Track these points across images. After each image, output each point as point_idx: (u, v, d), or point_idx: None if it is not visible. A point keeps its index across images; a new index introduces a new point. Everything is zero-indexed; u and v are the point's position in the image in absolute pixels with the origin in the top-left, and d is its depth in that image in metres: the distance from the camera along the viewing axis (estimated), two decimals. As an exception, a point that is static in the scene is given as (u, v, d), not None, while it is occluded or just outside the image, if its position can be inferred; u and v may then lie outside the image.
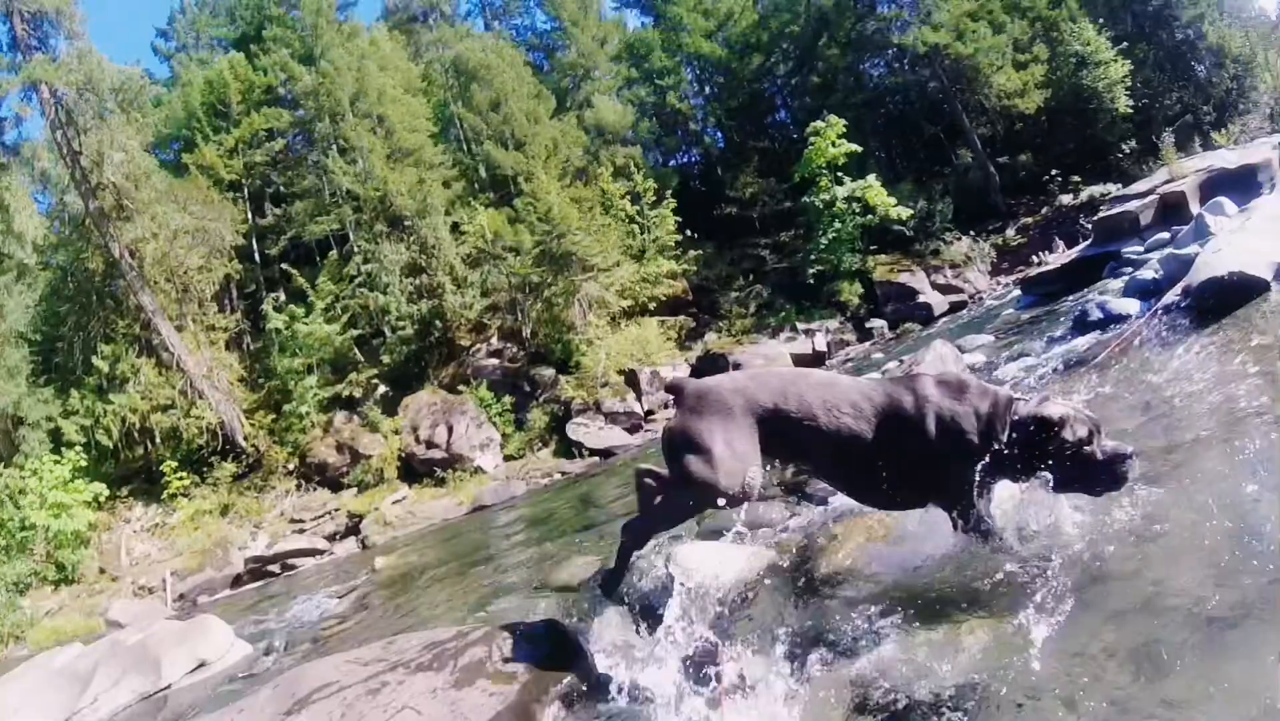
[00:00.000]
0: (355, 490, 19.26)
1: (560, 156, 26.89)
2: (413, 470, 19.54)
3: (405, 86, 26.93)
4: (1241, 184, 15.84)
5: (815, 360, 21.72)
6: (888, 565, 3.05)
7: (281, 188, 26.40)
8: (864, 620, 2.60)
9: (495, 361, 22.74)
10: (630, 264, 23.32)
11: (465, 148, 28.91)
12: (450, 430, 19.83)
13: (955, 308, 22.79)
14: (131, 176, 20.60)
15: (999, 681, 2.02)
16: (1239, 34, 36.48)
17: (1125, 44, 29.66)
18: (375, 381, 22.01)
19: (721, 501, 2.68)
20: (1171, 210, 17.13)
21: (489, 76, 27.84)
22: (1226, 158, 18.73)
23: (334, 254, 24.13)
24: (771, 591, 3.39)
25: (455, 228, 24.51)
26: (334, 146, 24.63)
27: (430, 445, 19.80)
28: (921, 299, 22.94)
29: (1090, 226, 21.21)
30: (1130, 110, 27.69)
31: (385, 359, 22.49)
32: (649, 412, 20.12)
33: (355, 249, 23.72)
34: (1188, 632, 1.91)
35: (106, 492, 17.97)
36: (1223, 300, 5.22)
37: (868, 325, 22.64)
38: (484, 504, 16.04)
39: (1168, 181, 19.40)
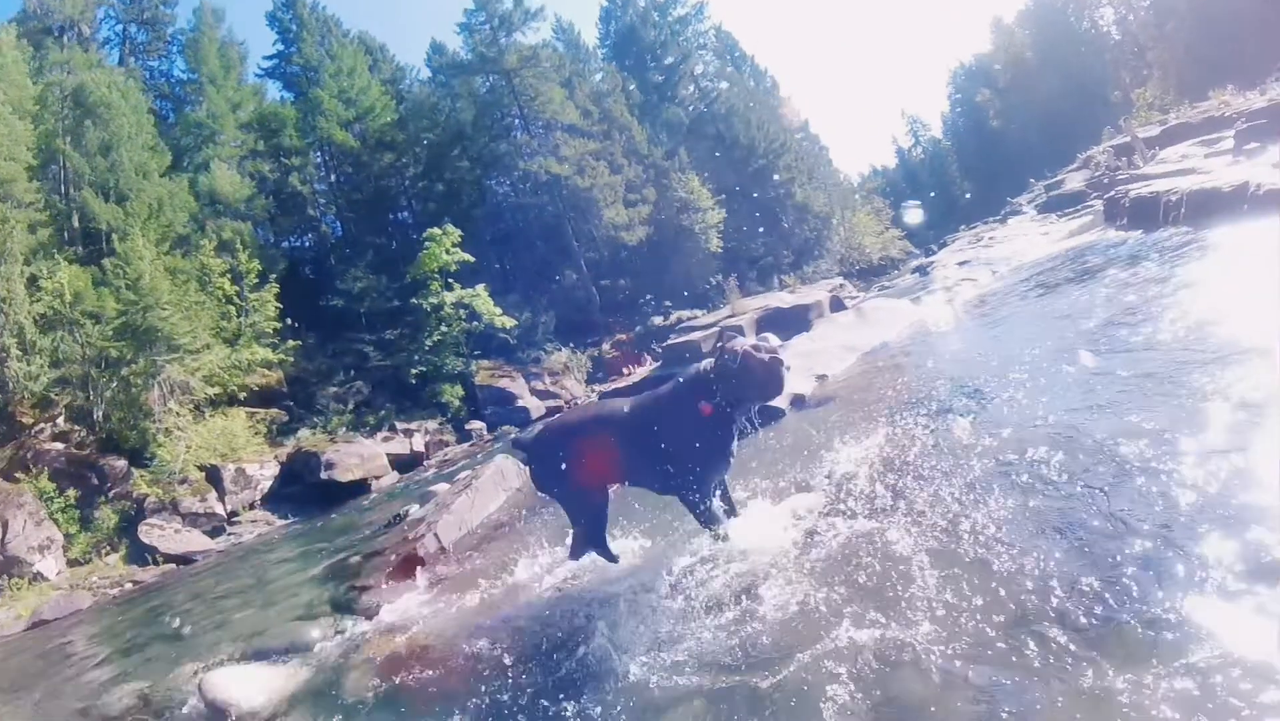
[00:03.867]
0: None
1: (163, 220, 24.67)
2: (-40, 572, 15.90)
3: (15, 105, 23.04)
4: (794, 320, 19.11)
5: (413, 461, 21.73)
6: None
7: None
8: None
9: (61, 446, 19.56)
10: (222, 348, 21.81)
11: (63, 191, 25.24)
12: (5, 526, 16.58)
13: (551, 411, 24.37)
14: None
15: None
16: (822, 195, 45.17)
17: (724, 195, 35.20)
18: (-84, 458, 17.74)
19: None
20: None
21: (107, 116, 25.18)
22: (784, 298, 22.69)
23: (-113, 285, 19.19)
24: (300, 709, 3.59)
25: (33, 281, 20.99)
26: (-84, 154, 19.99)
27: (-20, 544, 16.34)
28: (520, 403, 24.34)
29: (662, 351, 24.19)
30: (721, 249, 32.53)
31: (-69, 430, 18.23)
32: (232, 514, 18.60)
33: (-89, 284, 19.19)
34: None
35: None
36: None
37: (467, 427, 23.32)
38: (45, 619, 13.79)
39: (730, 316, 23.06)
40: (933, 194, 66.69)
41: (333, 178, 29.99)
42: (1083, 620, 2.33)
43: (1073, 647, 2.23)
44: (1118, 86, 49.23)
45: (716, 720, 2.50)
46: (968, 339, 9.03)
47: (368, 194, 29.33)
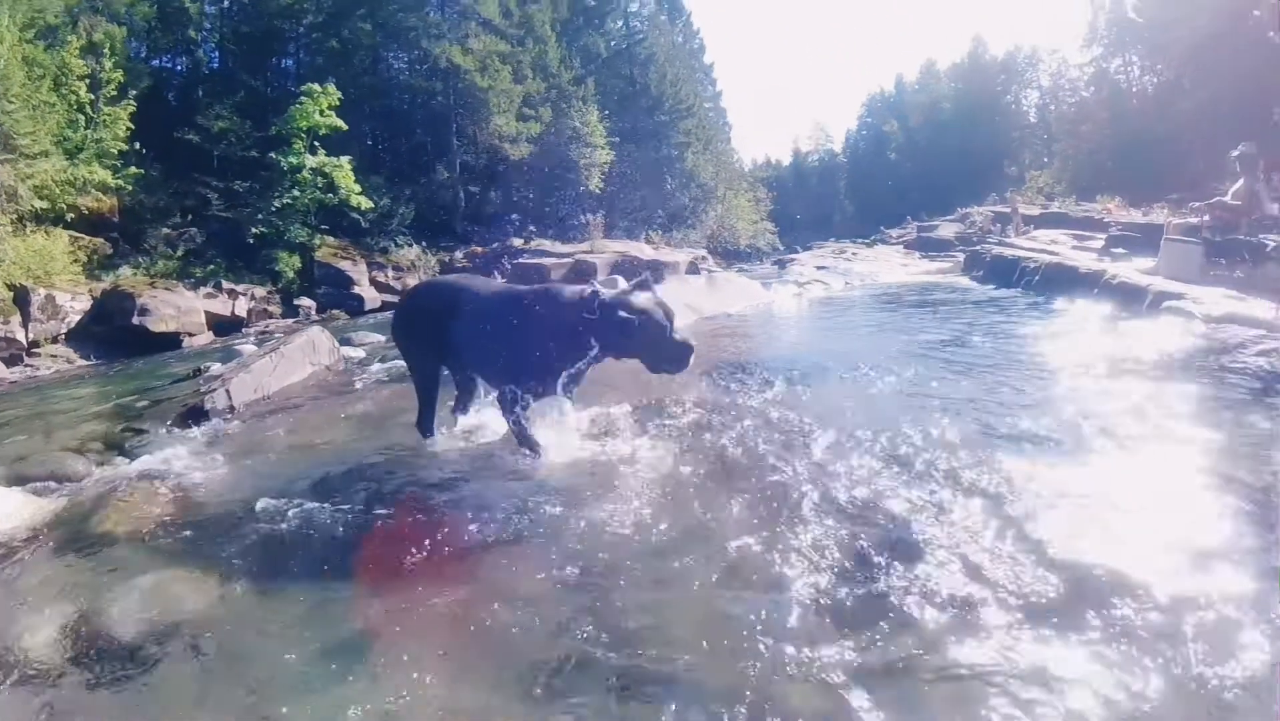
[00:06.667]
0: None
1: (36, 3, 22.28)
2: None
3: None
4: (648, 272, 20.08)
5: (232, 324, 21.02)
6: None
7: None
8: (125, 571, 3.07)
9: None
10: (60, 159, 20.27)
11: (-72, -46, 22.19)
12: None
13: (386, 306, 24.31)
14: None
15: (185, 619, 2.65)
16: (711, 168, 46.08)
17: (618, 139, 35.39)
18: None
19: None
20: (580, 275, 20.88)
21: None
22: (644, 249, 23.52)
23: None
24: (42, 539, 3.56)
25: None
26: None
27: None
28: (356, 290, 24.05)
29: (511, 267, 24.74)
30: (599, 190, 32.96)
31: None
32: (34, 344, 17.28)
33: None
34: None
35: None
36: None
37: (296, 302, 22.81)
38: None
39: (588, 252, 23.73)
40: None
41: (225, 3, 27.80)
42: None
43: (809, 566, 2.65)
44: (1016, 162, 53.63)
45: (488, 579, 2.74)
46: (804, 326, 9.86)
47: (257, 30, 27.47)
